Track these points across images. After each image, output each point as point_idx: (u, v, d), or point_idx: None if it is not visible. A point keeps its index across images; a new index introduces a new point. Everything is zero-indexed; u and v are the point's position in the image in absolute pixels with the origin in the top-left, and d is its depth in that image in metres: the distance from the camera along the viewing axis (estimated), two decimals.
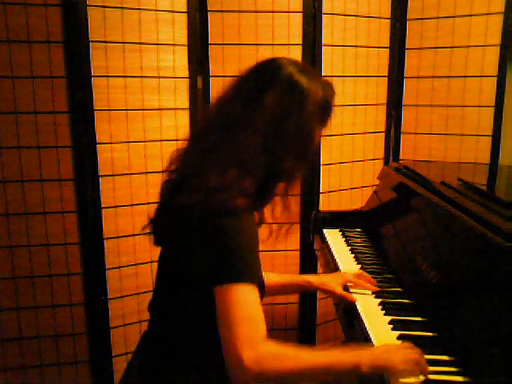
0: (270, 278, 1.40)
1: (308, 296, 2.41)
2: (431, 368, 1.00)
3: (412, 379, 0.98)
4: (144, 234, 1.84)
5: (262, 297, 1.01)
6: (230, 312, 0.94)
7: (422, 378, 0.98)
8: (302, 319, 2.43)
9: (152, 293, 1.21)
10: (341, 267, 1.60)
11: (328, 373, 0.98)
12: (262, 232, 1.13)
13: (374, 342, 1.11)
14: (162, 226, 1.14)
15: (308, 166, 1.12)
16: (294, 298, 2.41)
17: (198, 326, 1.09)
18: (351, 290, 1.41)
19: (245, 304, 0.94)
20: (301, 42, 2.21)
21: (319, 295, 2.42)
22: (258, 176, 1.04)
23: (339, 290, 1.39)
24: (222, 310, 0.95)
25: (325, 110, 1.12)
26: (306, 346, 1.00)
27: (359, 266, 1.58)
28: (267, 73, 1.09)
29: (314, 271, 2.35)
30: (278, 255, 2.32)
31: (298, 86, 1.06)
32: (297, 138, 1.07)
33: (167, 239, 1.14)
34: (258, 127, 1.03)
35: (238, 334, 0.92)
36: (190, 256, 1.04)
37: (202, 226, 0.99)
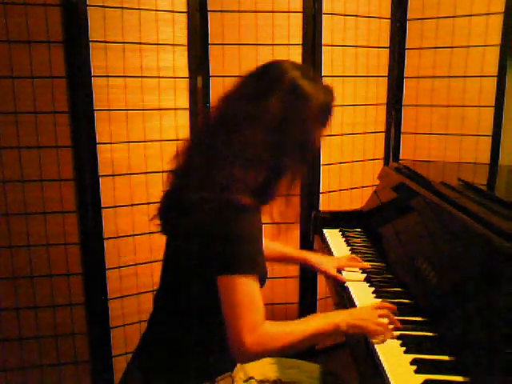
0: (273, 246, 1.58)
1: (308, 296, 2.41)
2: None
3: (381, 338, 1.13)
4: (144, 233, 1.84)
5: (263, 284, 1.10)
6: (234, 300, 1.03)
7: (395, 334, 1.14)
8: None
9: (159, 284, 1.25)
10: None
11: (317, 338, 1.13)
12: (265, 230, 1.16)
13: (376, 348, 1.11)
14: (170, 219, 1.20)
15: (308, 167, 1.18)
16: (294, 298, 2.41)
17: (200, 314, 1.15)
18: (344, 274, 1.54)
19: (249, 294, 1.03)
20: (301, 42, 2.21)
21: (319, 296, 2.43)
22: (262, 173, 1.08)
23: (333, 271, 1.54)
24: (227, 298, 1.04)
25: (325, 113, 1.17)
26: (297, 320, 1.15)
27: None
28: (272, 75, 1.13)
29: (314, 271, 2.35)
30: None
31: (301, 90, 1.11)
32: (299, 139, 1.12)
33: (175, 232, 1.20)
34: (262, 126, 1.08)
35: (241, 321, 1.02)
36: (197, 249, 1.09)
37: (210, 222, 1.05)
